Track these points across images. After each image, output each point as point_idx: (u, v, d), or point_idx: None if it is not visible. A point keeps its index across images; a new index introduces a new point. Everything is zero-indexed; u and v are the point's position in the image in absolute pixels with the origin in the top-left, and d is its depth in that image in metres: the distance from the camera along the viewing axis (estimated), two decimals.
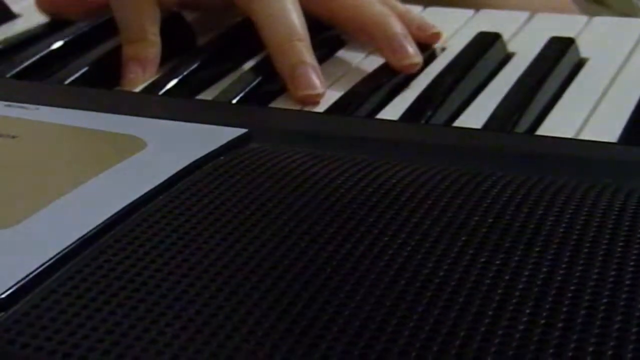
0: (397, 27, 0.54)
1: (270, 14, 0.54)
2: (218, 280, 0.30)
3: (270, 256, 0.31)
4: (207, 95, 0.53)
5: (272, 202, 0.35)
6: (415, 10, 0.61)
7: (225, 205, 0.35)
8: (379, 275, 0.30)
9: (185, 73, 0.54)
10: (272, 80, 0.53)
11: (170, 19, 0.59)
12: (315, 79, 0.51)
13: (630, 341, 0.27)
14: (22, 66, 0.56)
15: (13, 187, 0.37)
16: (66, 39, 0.60)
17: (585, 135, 0.46)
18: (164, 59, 0.56)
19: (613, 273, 0.30)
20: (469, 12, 0.62)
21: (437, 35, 0.57)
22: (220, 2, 0.61)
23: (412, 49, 0.54)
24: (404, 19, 0.56)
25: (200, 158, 0.38)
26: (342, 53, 0.58)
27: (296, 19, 0.54)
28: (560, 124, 0.48)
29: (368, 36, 0.55)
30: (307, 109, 0.50)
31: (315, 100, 0.51)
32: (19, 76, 0.55)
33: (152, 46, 0.56)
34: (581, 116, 0.48)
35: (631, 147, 0.43)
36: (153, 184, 0.36)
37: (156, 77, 0.55)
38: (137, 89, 0.54)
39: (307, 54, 0.52)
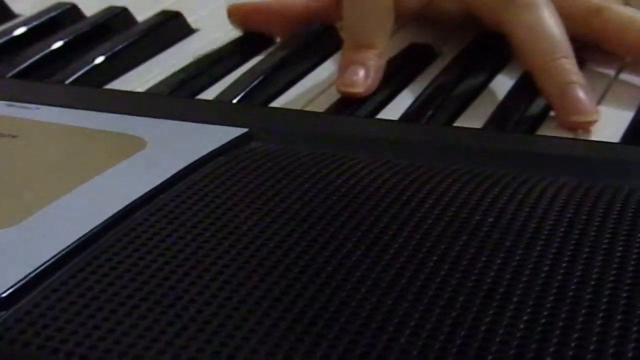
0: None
1: (529, 27, 0.50)
2: (219, 279, 0.30)
3: (272, 255, 0.31)
4: (208, 94, 0.53)
5: (273, 201, 0.35)
6: None
7: (225, 204, 0.35)
8: (380, 275, 0.30)
9: (186, 73, 0.54)
10: (272, 79, 0.53)
11: None
12: (588, 102, 0.46)
13: (631, 340, 0.27)
14: (22, 66, 0.56)
15: (14, 187, 0.37)
16: (66, 39, 0.60)
17: (586, 135, 0.46)
18: None
19: (614, 273, 0.30)
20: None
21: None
22: (458, 13, 0.57)
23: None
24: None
25: (201, 158, 0.38)
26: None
27: (558, 33, 0.49)
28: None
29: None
30: (305, 108, 0.50)
31: (587, 127, 0.46)
32: (19, 76, 0.55)
33: (380, 56, 0.52)
34: None
35: (633, 147, 0.43)
36: (153, 184, 0.36)
37: (155, 77, 0.55)
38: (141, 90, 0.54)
39: (575, 73, 0.48)
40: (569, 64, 0.48)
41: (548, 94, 0.48)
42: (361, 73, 0.50)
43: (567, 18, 0.51)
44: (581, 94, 0.47)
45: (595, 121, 0.46)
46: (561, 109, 0.47)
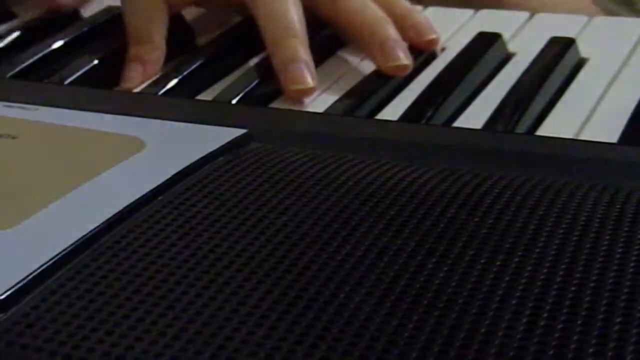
0: (389, 32, 0.55)
1: (270, 10, 0.55)
2: (218, 281, 0.30)
3: (271, 257, 0.31)
4: (207, 95, 0.53)
5: (273, 202, 0.35)
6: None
7: (225, 205, 0.35)
8: (379, 276, 0.30)
9: (185, 73, 0.54)
10: (272, 80, 0.53)
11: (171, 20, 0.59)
12: (307, 74, 0.52)
13: (631, 342, 0.26)
14: (22, 66, 0.56)
15: (13, 188, 0.37)
16: (66, 39, 0.60)
17: (585, 136, 0.46)
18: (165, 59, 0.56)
19: (613, 274, 0.30)
20: (469, 12, 0.62)
21: (433, 42, 0.57)
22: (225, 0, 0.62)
23: (402, 52, 0.54)
24: (403, 22, 0.57)
25: (200, 158, 0.38)
26: (342, 53, 0.58)
27: (295, 16, 0.54)
28: (560, 124, 0.48)
29: (362, 42, 0.56)
30: (306, 108, 0.50)
31: (305, 94, 0.52)
32: (19, 76, 0.55)
33: (156, 49, 0.57)
34: (581, 116, 0.48)
35: (631, 148, 0.43)
36: (152, 185, 0.36)
37: (156, 77, 0.55)
38: (137, 89, 0.54)
39: (301, 50, 0.53)
40: (297, 42, 0.53)
41: (276, 69, 0.53)
42: (139, 69, 0.56)
43: (312, 3, 0.57)
44: (302, 67, 0.52)
45: (311, 90, 0.52)
46: (284, 80, 0.52)
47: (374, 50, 0.55)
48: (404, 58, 0.54)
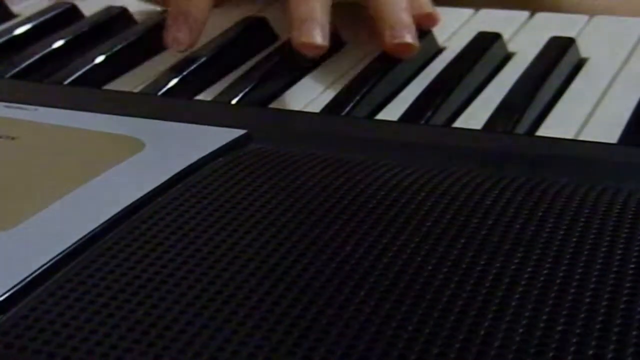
0: (403, 16, 0.54)
1: None
2: (217, 282, 0.30)
3: (270, 258, 0.31)
4: (207, 95, 0.53)
5: (272, 203, 0.35)
6: None
7: (224, 206, 0.35)
8: (378, 278, 0.30)
9: (185, 73, 0.54)
10: (272, 80, 0.53)
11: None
12: (319, 34, 0.52)
13: (630, 344, 0.26)
14: (21, 66, 0.56)
15: (12, 189, 0.37)
16: (66, 39, 0.60)
17: (585, 136, 0.46)
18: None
19: (613, 275, 0.30)
20: (469, 12, 0.62)
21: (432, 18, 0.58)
22: None
23: (409, 34, 0.54)
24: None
25: (200, 159, 0.38)
26: (342, 53, 0.58)
27: None
28: (560, 124, 0.48)
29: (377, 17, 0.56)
30: (305, 109, 0.50)
31: (313, 50, 0.52)
32: (18, 76, 0.55)
33: (202, 2, 0.55)
34: (581, 116, 0.48)
35: (631, 148, 0.42)
36: (152, 186, 0.36)
37: (156, 77, 0.55)
38: (136, 89, 0.54)
39: (319, 11, 0.53)
40: (317, 3, 0.53)
41: (291, 24, 0.53)
42: (185, 29, 0.54)
43: None
44: (316, 26, 0.52)
45: (320, 48, 0.52)
46: (295, 32, 0.52)
47: (384, 28, 0.54)
48: (410, 37, 0.53)
